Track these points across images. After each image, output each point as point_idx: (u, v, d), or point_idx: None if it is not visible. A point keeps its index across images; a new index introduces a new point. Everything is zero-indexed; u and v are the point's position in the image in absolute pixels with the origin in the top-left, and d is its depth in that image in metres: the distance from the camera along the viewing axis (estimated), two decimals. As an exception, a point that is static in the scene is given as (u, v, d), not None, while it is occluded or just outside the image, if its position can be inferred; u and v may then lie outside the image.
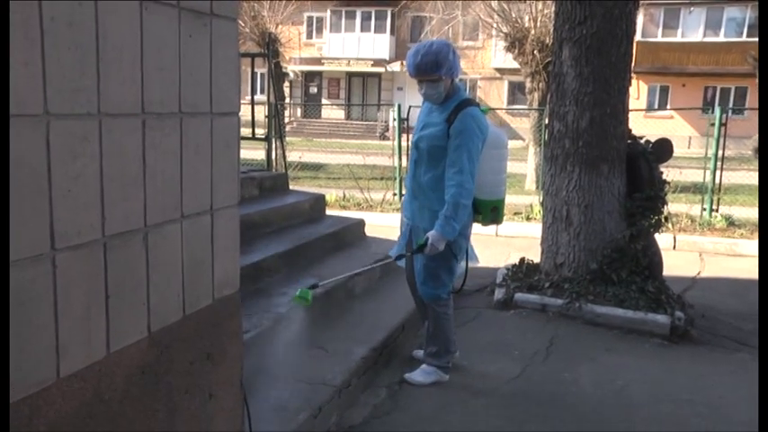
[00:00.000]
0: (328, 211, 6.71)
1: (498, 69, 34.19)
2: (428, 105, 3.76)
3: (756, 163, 17.25)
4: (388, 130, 29.36)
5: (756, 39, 28.48)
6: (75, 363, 1.67)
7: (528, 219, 9.61)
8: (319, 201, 6.18)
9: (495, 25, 17.06)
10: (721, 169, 9.87)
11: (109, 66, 1.67)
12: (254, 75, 6.95)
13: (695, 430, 3.58)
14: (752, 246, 8.31)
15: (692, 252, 8.31)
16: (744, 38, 29.17)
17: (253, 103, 6.76)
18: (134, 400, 1.89)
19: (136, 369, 1.89)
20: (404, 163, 11.18)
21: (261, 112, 9.45)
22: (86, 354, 1.70)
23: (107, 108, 1.69)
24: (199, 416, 2.18)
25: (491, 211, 3.83)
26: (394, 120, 11.76)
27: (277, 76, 19.16)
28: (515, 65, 16.78)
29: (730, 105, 28.53)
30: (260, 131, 7.61)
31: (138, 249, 1.86)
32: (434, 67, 3.51)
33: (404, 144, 11.20)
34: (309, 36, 36.84)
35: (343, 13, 35.50)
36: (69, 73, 1.56)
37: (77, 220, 1.63)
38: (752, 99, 29.23)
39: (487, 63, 34.89)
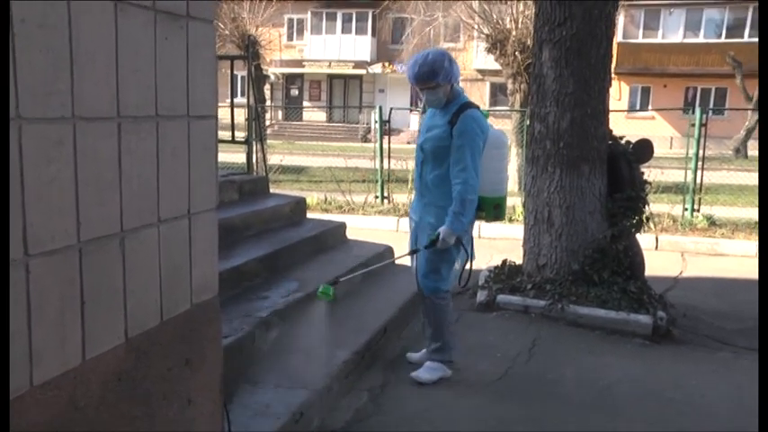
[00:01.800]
0: (310, 215, 6.69)
1: (480, 71, 34.29)
2: (432, 110, 4.00)
3: (737, 163, 17.48)
4: (369, 132, 29.35)
5: (735, 40, 28.91)
6: (50, 370, 1.64)
7: (510, 220, 9.63)
8: (300, 204, 6.16)
9: (476, 26, 17.10)
10: (702, 169, 9.96)
11: (83, 69, 1.65)
12: (233, 77, 6.89)
13: (678, 429, 3.60)
14: (733, 245, 8.39)
15: (673, 252, 8.37)
16: (723, 39, 29.53)
17: (232, 105, 6.70)
18: (111, 408, 1.86)
19: (112, 376, 1.86)
20: (386, 165, 11.18)
21: (241, 115, 9.41)
22: (61, 361, 1.68)
23: (81, 112, 1.66)
24: (177, 422, 2.16)
25: (494, 208, 4.01)
26: (375, 122, 11.74)
27: (257, 78, 19.09)
28: (497, 66, 16.83)
29: (711, 106, 28.81)
30: (240, 135, 7.56)
31: (115, 254, 1.83)
32: (431, 76, 3.76)
33: (385, 146, 11.21)
34: (290, 38, 36.76)
35: (324, 14, 35.46)
36: (42, 76, 1.54)
37: (51, 225, 1.61)
38: (732, 99, 29.54)
39: (469, 64, 34.96)
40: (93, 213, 1.73)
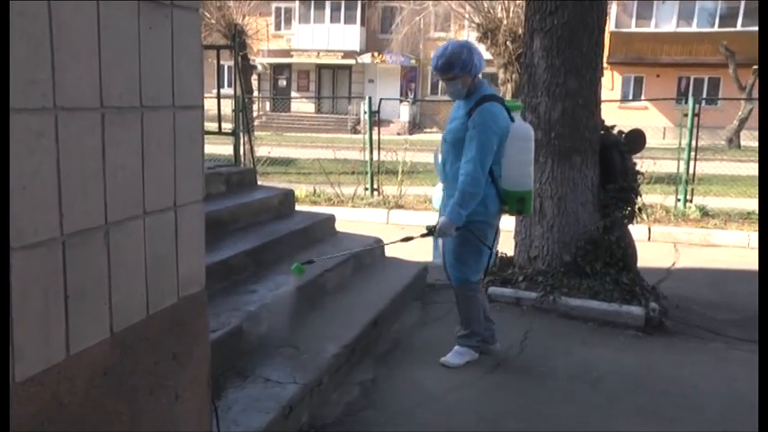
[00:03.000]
0: (298, 207, 6.65)
1: (470, 61, 34.20)
2: (457, 102, 4.01)
3: (730, 153, 17.54)
4: (359, 123, 29.28)
5: (728, 29, 29.00)
6: (33, 366, 1.60)
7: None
8: (288, 196, 6.11)
9: (466, 16, 17.08)
10: (695, 160, 9.97)
11: (64, 57, 1.61)
12: (220, 67, 6.83)
13: (671, 420, 3.59)
14: (725, 236, 8.42)
15: (666, 243, 8.38)
16: (716, 28, 29.63)
17: (219, 96, 6.64)
18: (96, 404, 1.82)
19: (98, 371, 1.83)
20: (375, 157, 11.14)
21: (228, 106, 9.33)
22: (44, 357, 1.64)
23: (64, 102, 1.62)
24: (165, 417, 2.12)
25: (517, 202, 3.93)
26: (365, 113, 11.68)
27: (244, 68, 19.00)
28: (488, 56, 16.80)
29: (703, 96, 28.89)
30: (227, 126, 7.50)
31: (99, 247, 1.79)
32: (448, 67, 3.81)
33: (375, 138, 11.16)
34: (278, 27, 36.57)
35: (312, 3, 35.27)
36: (22, 65, 1.49)
37: (34, 217, 1.57)
38: (725, 89, 29.64)
39: (459, 55, 34.88)
40: (76, 206, 1.69)
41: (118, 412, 1.92)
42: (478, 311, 4.19)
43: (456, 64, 3.77)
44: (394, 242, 4.41)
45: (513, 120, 3.87)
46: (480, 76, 3.92)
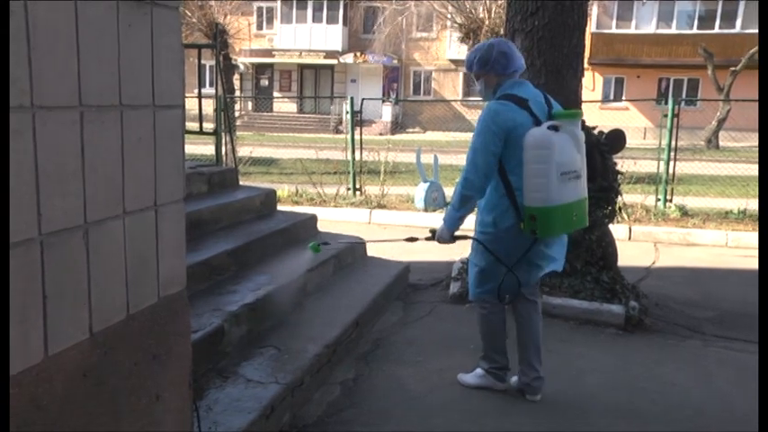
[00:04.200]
0: (281, 207, 6.63)
1: (453, 61, 34.33)
2: None
3: (708, 154, 17.72)
4: (341, 123, 29.26)
5: (706, 31, 29.32)
6: (10, 368, 1.59)
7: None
8: (270, 196, 6.10)
9: (449, 16, 17.12)
10: (675, 160, 10.06)
11: (42, 56, 1.60)
12: (201, 67, 6.79)
13: (649, 418, 3.62)
14: (704, 235, 8.50)
15: (646, 242, 8.44)
16: (695, 30, 29.92)
17: (200, 96, 6.60)
18: (75, 405, 1.81)
19: (77, 372, 1.81)
20: (357, 157, 11.13)
21: (210, 106, 9.29)
22: (22, 358, 1.62)
23: (41, 101, 1.61)
24: (145, 418, 2.11)
25: (529, 219, 3.37)
26: (347, 113, 11.67)
27: (226, 68, 18.94)
28: (469, 57, 16.83)
29: (683, 96, 29.15)
30: (209, 126, 7.46)
31: (78, 247, 1.78)
32: (468, 66, 3.65)
33: (357, 138, 11.15)
34: (260, 27, 36.44)
35: (294, 3, 35.15)
36: (-2, 63, 1.48)
37: (11, 218, 1.55)
38: (704, 90, 29.95)
39: (442, 54, 35.01)
40: (55, 205, 1.68)
41: (97, 414, 1.91)
42: (492, 334, 3.83)
43: (474, 62, 3.58)
44: (396, 240, 4.10)
45: (539, 124, 3.38)
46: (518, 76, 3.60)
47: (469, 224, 3.67)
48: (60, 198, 1.70)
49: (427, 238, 3.71)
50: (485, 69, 3.57)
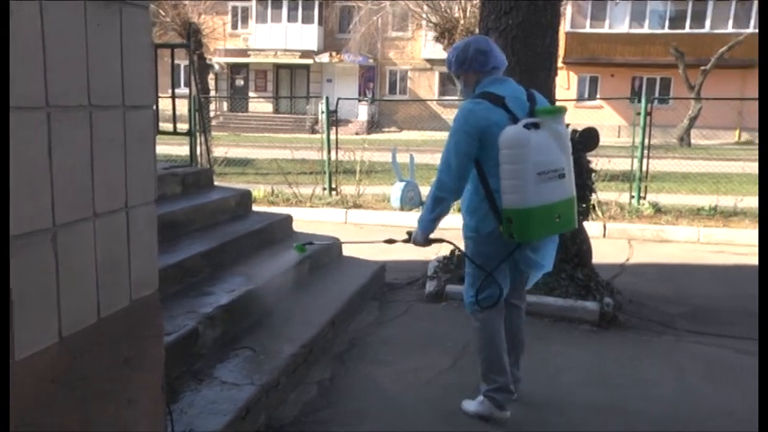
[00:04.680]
0: (256, 208, 6.59)
1: (428, 60, 34.43)
2: None
3: (681, 151, 17.92)
4: (317, 123, 29.17)
5: (677, 31, 29.72)
6: (-23, 374, 1.56)
7: (459, 210, 9.65)
8: (245, 197, 6.06)
9: (424, 16, 17.15)
10: (648, 157, 10.16)
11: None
12: (174, 67, 6.73)
13: (623, 413, 3.65)
14: (677, 231, 8.62)
15: (621, 239, 8.52)
16: (666, 30, 30.31)
17: (174, 96, 6.55)
18: (44, 411, 1.78)
19: (46, 377, 1.79)
20: (333, 156, 11.11)
21: (184, 106, 9.22)
22: (-11, 363, 1.60)
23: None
24: (117, 423, 2.09)
25: (507, 222, 3.21)
26: (323, 113, 11.64)
27: (200, 68, 18.80)
28: (445, 55, 16.90)
29: (656, 95, 29.45)
30: (183, 126, 7.40)
31: (46, 250, 1.76)
32: (448, 66, 3.55)
33: (333, 137, 11.13)
34: (234, 26, 36.25)
35: (269, 2, 35.00)
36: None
37: (-24, 220, 1.53)
38: (676, 89, 30.33)
39: (417, 54, 35.07)
40: (21, 208, 1.65)
41: (68, 419, 1.88)
42: (486, 348, 3.53)
43: (452, 61, 3.47)
44: (375, 242, 4.00)
45: (515, 122, 3.19)
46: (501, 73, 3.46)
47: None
48: (27, 201, 1.67)
49: (404, 241, 3.64)
50: (463, 68, 3.46)
